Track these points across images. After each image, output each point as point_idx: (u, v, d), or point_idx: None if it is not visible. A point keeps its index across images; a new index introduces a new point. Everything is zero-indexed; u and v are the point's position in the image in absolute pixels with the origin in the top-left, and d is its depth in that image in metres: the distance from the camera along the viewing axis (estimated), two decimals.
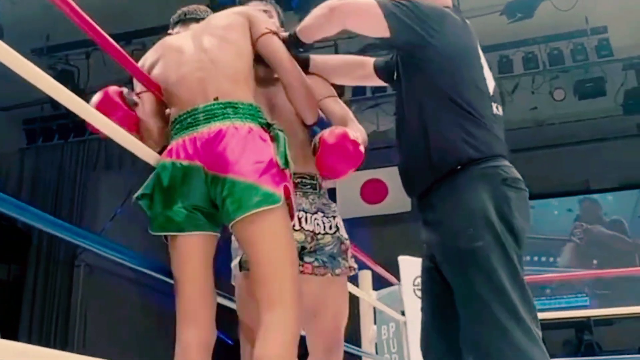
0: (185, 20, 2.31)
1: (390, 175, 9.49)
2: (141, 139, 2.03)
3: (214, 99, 1.90)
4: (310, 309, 2.17)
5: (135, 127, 2.05)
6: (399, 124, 2.22)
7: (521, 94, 8.75)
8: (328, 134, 2.14)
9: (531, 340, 1.89)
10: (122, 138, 1.84)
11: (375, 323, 4.07)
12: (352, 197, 9.62)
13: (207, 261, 1.89)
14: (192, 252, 1.85)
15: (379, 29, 2.05)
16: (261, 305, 1.77)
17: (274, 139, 1.89)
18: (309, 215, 2.20)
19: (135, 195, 1.92)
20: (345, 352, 3.40)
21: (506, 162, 2.10)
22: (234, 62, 2.01)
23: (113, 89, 2.06)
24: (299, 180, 2.21)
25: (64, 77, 7.80)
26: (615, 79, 8.66)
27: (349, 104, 9.28)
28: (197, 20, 2.27)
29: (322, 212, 2.25)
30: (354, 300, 4.00)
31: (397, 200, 9.29)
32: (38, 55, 7.82)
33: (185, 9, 2.35)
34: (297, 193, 2.18)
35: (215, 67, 1.98)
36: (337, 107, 2.38)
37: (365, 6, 2.04)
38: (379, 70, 2.42)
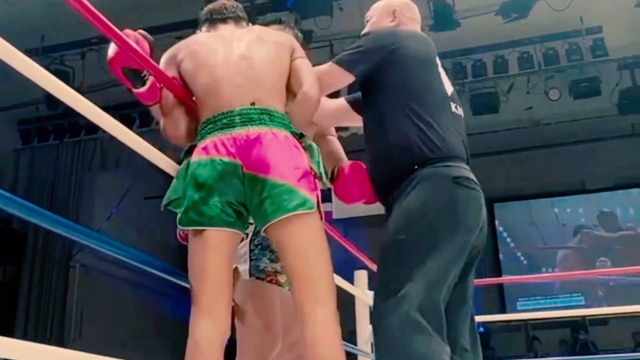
0: (212, 20, 2.30)
1: None
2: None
3: (251, 104, 1.94)
4: None
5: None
6: (367, 140, 2.37)
7: (516, 94, 8.77)
8: (347, 166, 2.41)
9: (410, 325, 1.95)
10: (135, 143, 1.88)
11: (370, 323, 4.08)
12: None
13: (230, 258, 1.91)
14: (219, 245, 1.86)
15: (345, 78, 2.31)
16: (306, 303, 1.83)
17: (307, 149, 1.98)
18: None
19: (165, 203, 1.94)
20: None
21: (460, 163, 2.23)
22: (274, 74, 2.06)
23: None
24: None
25: (59, 78, 7.77)
26: (610, 78, 8.68)
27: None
28: (225, 19, 2.27)
29: None
30: (350, 300, 4.01)
31: None
32: (33, 55, 7.77)
33: (211, 6, 2.33)
34: None
35: (255, 75, 2.02)
36: (339, 145, 2.64)
37: (325, 70, 2.30)
38: (353, 104, 2.55)
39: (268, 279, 2.38)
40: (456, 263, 2.10)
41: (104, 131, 1.86)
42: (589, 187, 10.20)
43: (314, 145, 2.00)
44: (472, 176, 2.24)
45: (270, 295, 2.36)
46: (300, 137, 2.00)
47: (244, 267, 2.35)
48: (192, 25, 5.74)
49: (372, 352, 4.05)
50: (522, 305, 10.05)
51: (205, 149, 1.89)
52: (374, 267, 3.99)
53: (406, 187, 2.15)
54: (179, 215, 1.89)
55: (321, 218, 1.96)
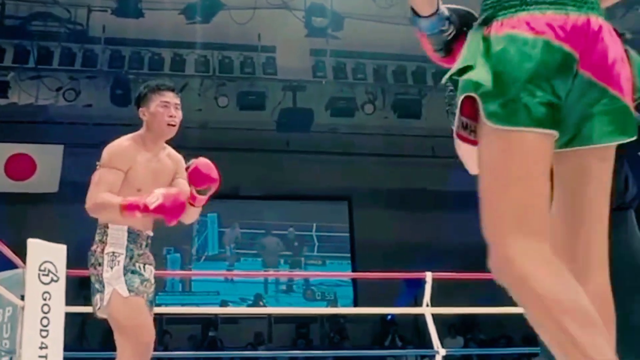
0: None
1: (40, 153, 9.01)
2: None
3: None
4: None
5: None
6: None
7: (189, 94, 8.99)
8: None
9: None
10: None
11: None
12: None
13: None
14: (549, 157, 1.38)
15: None
16: (592, 266, 1.43)
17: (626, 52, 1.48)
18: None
19: (475, 79, 1.35)
20: None
21: None
22: None
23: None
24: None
25: None
26: (275, 96, 9.35)
27: (8, 70, 8.65)
28: None
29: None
30: None
31: (45, 179, 8.85)
32: None
33: None
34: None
35: None
36: None
37: None
38: None
39: (141, 295, 2.67)
40: None
41: None
42: (242, 193, 10.86)
43: (630, 49, 1.50)
44: None
45: (145, 309, 2.68)
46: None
47: (121, 286, 2.61)
48: None
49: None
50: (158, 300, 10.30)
51: (532, 25, 1.37)
52: (4, 248, 3.76)
53: None
54: (486, 106, 1.36)
55: None
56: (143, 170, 2.72)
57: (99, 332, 10.08)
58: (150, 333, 2.68)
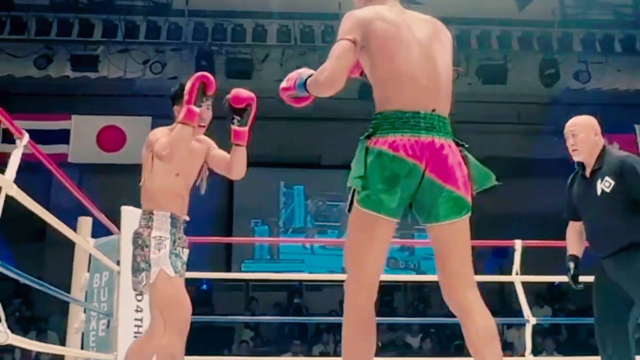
0: None
1: (129, 125, 9.28)
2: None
3: (432, 110, 2.12)
4: None
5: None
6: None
7: (271, 63, 9.06)
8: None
9: None
10: None
11: (88, 271, 4.02)
12: (87, 142, 9.26)
13: (388, 244, 2.21)
14: (387, 235, 2.15)
15: None
16: (460, 287, 2.16)
17: (464, 157, 2.20)
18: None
19: (354, 176, 2.10)
20: (54, 298, 3.35)
21: None
22: (449, 81, 2.22)
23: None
24: None
25: None
26: None
27: (97, 44, 8.94)
28: None
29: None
30: (72, 245, 3.92)
31: (135, 150, 9.12)
32: None
33: None
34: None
35: (437, 81, 2.16)
36: None
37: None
38: None
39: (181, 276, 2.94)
40: None
41: None
42: (325, 163, 10.91)
43: (470, 155, 2.23)
44: None
45: (184, 289, 2.94)
46: (457, 144, 2.20)
47: (168, 268, 2.84)
48: None
49: (85, 300, 4.01)
50: (245, 268, 10.55)
51: (393, 145, 2.07)
52: (100, 215, 3.93)
53: None
54: (359, 195, 2.10)
55: None
56: (179, 158, 2.90)
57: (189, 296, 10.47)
58: (188, 311, 2.96)
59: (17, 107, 8.21)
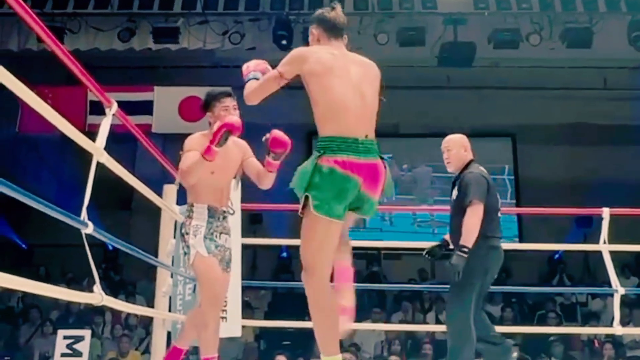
0: (331, 32, 2.82)
1: None
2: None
3: (365, 136, 2.66)
4: None
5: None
6: None
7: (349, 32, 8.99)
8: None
9: None
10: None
11: (175, 237, 4.14)
12: (169, 113, 9.49)
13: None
14: (338, 233, 2.68)
15: None
16: (344, 256, 2.83)
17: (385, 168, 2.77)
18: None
19: (302, 186, 2.64)
20: (143, 262, 3.48)
21: None
22: (375, 111, 2.74)
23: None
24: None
25: None
26: (435, 30, 9.14)
27: (177, 17, 9.10)
28: (340, 36, 2.83)
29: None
30: (158, 213, 4.04)
31: None
32: None
33: (334, 17, 2.82)
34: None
35: (367, 112, 2.71)
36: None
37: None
38: None
39: (216, 257, 3.34)
40: None
41: None
42: (402, 131, 10.84)
43: (387, 167, 2.76)
44: None
45: (218, 267, 3.34)
46: (382, 159, 2.75)
47: (202, 249, 3.27)
48: None
49: (173, 264, 4.14)
50: None
51: (342, 164, 2.61)
52: None
53: None
54: (314, 201, 2.61)
55: None
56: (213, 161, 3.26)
57: (268, 265, 10.67)
58: (221, 285, 3.38)
59: (102, 79, 8.45)
